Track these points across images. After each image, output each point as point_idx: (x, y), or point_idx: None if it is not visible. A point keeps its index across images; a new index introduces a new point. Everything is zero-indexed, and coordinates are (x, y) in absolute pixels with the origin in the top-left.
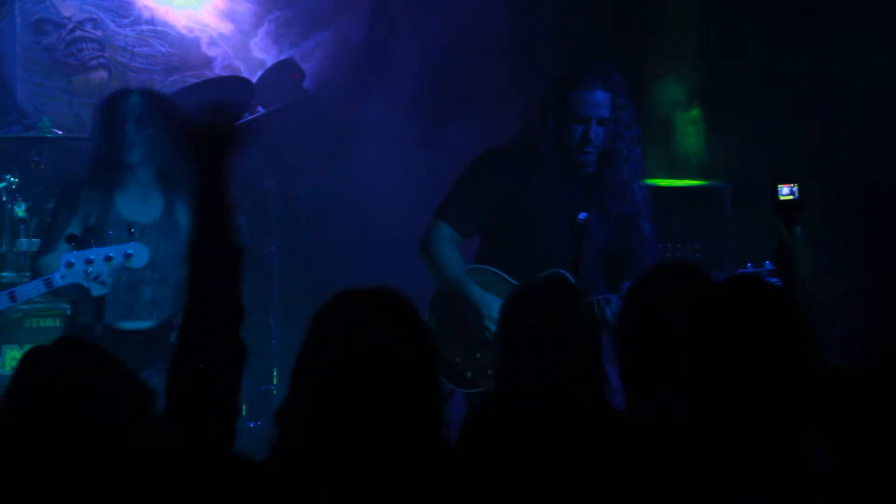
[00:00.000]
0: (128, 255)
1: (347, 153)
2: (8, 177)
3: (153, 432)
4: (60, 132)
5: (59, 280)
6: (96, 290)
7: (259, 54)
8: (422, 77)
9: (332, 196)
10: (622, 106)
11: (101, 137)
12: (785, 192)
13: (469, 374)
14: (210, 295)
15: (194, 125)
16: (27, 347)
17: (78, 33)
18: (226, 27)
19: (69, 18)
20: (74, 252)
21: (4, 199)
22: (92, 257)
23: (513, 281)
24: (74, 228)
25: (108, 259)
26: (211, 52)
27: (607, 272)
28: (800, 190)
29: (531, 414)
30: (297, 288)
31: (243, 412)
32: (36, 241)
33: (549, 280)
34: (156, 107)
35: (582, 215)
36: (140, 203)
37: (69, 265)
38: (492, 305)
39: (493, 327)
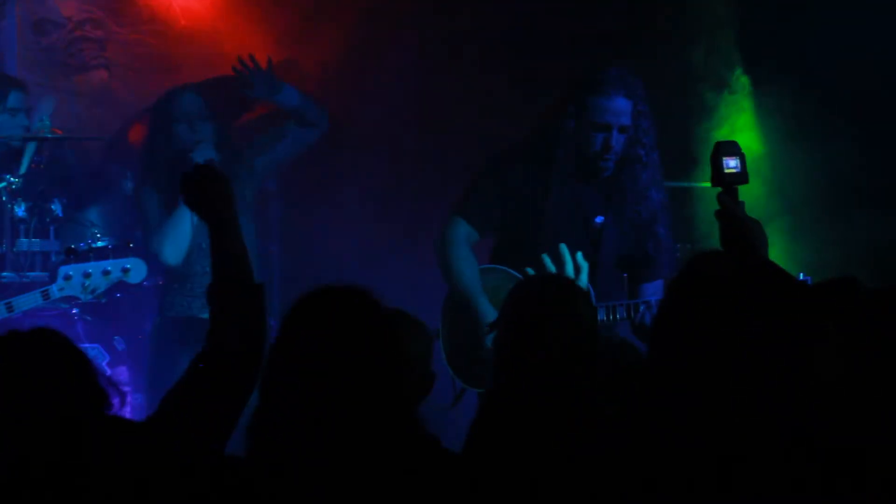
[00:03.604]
0: (125, 270)
1: (347, 153)
2: (8, 177)
3: (106, 431)
4: (60, 132)
5: (56, 292)
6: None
7: (259, 54)
8: (422, 76)
9: (332, 196)
10: (642, 112)
11: (160, 136)
12: (731, 164)
13: (480, 373)
14: (232, 336)
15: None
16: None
17: (78, 33)
18: (226, 27)
19: (69, 18)
20: (73, 265)
21: (4, 199)
22: (90, 271)
23: None
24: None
25: (105, 273)
26: (211, 51)
27: (623, 276)
28: (742, 162)
29: (529, 416)
30: (297, 288)
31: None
32: (36, 240)
33: (551, 278)
34: (210, 101)
35: (598, 219)
36: None
37: (67, 278)
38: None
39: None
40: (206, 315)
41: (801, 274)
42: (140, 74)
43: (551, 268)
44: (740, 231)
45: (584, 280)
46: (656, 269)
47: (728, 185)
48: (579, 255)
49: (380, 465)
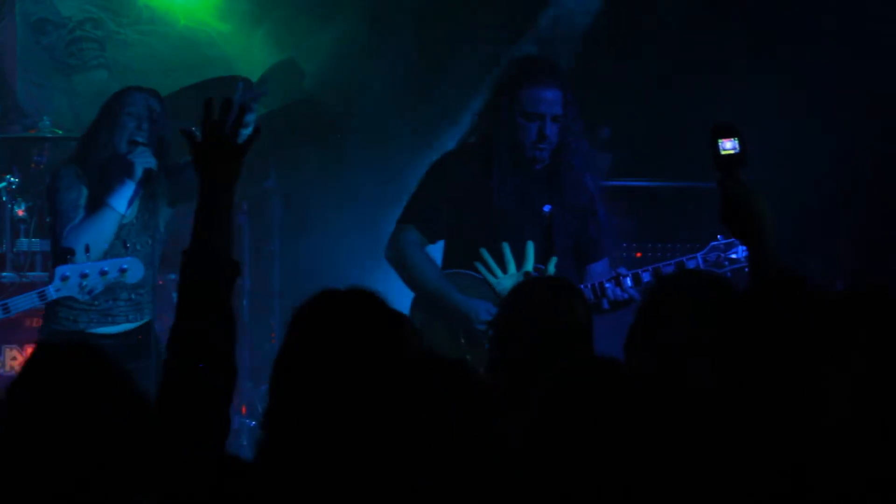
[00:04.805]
0: (123, 270)
1: (347, 153)
2: (8, 177)
3: (149, 441)
4: (60, 132)
5: (53, 293)
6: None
7: (259, 54)
8: (422, 76)
9: (332, 196)
10: (570, 101)
11: (105, 127)
12: (727, 146)
13: None
14: (201, 309)
15: (206, 130)
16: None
17: (78, 33)
18: (226, 27)
19: (69, 18)
20: (70, 265)
21: (4, 199)
22: (87, 271)
23: (491, 280)
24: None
25: (103, 273)
26: (211, 52)
27: (575, 260)
28: (741, 143)
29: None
30: (297, 288)
31: (243, 412)
32: (36, 240)
33: (547, 280)
34: (161, 106)
35: (546, 208)
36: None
37: (64, 279)
38: (479, 308)
39: (483, 328)
40: (94, 330)
41: None
42: (140, 74)
43: (510, 258)
44: (743, 214)
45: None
46: (600, 250)
47: (725, 167)
48: (530, 245)
49: (390, 469)
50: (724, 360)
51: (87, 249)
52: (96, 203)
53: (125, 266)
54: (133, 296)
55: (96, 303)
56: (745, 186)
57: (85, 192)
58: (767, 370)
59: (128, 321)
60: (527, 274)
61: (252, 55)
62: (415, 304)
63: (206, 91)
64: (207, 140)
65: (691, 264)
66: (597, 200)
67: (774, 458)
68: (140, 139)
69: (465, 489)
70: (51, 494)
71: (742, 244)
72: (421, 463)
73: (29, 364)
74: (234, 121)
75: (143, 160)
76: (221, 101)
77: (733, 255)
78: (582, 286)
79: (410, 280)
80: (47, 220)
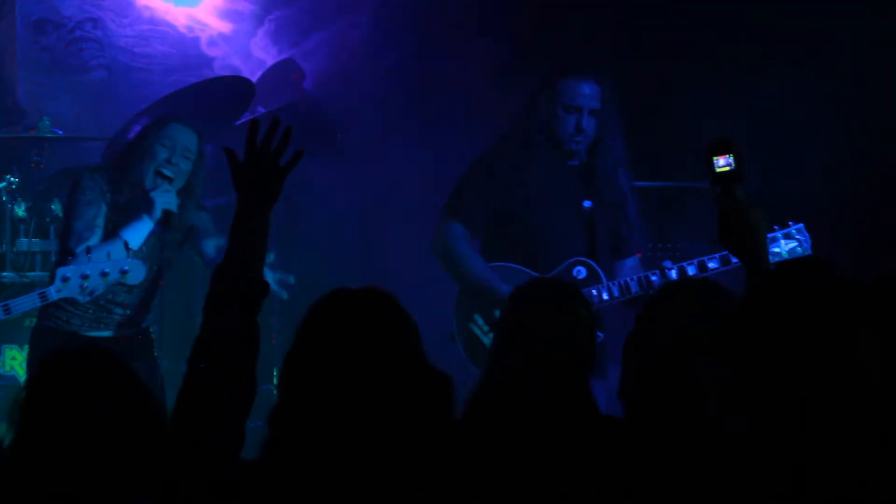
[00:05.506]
0: (124, 272)
1: (347, 152)
2: (8, 177)
3: (160, 440)
4: (60, 132)
5: (54, 294)
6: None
7: (259, 54)
8: (422, 77)
9: (332, 196)
10: (608, 98)
11: (136, 158)
12: (721, 163)
13: None
14: (226, 324)
15: (250, 150)
16: (26, 348)
17: (78, 33)
18: (226, 27)
19: (69, 18)
20: (70, 266)
21: (4, 199)
22: (88, 272)
23: (535, 274)
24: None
25: (104, 274)
26: (211, 52)
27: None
28: (736, 159)
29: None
30: (297, 288)
31: None
32: (36, 240)
33: (551, 282)
34: (200, 145)
35: (587, 203)
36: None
37: (65, 279)
38: None
39: None
40: (86, 333)
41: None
42: (140, 74)
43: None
44: (738, 230)
45: None
46: (631, 247)
47: (721, 184)
48: None
49: (395, 469)
50: (726, 361)
51: (88, 251)
52: (114, 224)
53: (126, 267)
54: (128, 311)
55: (90, 311)
56: (741, 202)
57: (104, 209)
58: (771, 369)
59: (118, 330)
60: None
61: (252, 55)
62: (458, 303)
63: (206, 91)
64: (250, 160)
65: None
66: (630, 199)
67: (776, 459)
68: (167, 172)
69: (467, 488)
70: (57, 496)
71: (737, 258)
72: (427, 463)
73: (43, 367)
74: (280, 142)
75: (164, 200)
76: (269, 122)
77: (775, 249)
78: (628, 279)
79: (457, 272)
80: (47, 220)
